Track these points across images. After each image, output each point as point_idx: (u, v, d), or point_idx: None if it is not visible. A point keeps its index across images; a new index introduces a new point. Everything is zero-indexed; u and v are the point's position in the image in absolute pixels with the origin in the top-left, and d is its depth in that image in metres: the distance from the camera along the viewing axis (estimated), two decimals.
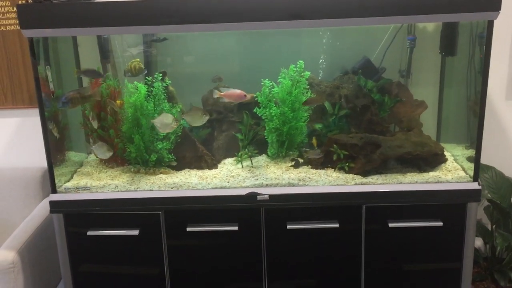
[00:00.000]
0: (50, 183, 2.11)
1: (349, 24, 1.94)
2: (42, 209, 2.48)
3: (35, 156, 2.68)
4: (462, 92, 2.31)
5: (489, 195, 2.54)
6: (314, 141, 2.31)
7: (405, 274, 2.20)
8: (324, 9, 1.88)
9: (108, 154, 2.17)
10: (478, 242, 2.79)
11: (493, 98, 2.62)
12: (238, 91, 2.11)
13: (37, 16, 1.89)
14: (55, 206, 2.11)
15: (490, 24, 1.91)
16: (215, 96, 2.15)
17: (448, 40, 2.33)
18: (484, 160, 2.57)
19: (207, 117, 2.15)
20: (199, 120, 2.15)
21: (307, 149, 2.35)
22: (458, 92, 2.40)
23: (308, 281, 2.22)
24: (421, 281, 2.21)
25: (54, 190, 2.12)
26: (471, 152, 2.18)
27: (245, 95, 2.11)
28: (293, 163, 2.27)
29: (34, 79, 2.01)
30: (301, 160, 2.28)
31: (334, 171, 2.20)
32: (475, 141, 2.07)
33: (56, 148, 2.20)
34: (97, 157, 2.30)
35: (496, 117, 2.64)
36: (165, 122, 2.11)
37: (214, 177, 2.19)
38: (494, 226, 2.58)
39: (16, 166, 2.69)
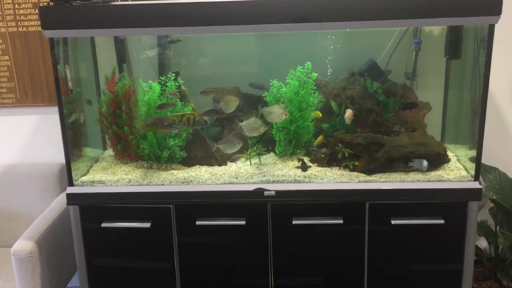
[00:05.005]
0: (67, 176, 2.22)
1: (354, 27, 2.01)
2: (59, 202, 2.58)
3: (53, 152, 2.79)
4: (467, 94, 2.37)
5: (494, 196, 2.58)
6: (319, 139, 2.38)
7: (407, 270, 2.25)
8: (329, 12, 1.95)
9: (238, 146, 2.27)
10: (484, 243, 2.83)
11: (498, 100, 2.66)
12: (349, 111, 2.30)
13: (57, 18, 2.00)
14: (71, 198, 2.22)
15: (491, 28, 1.96)
16: None
17: (453, 43, 2.39)
18: (488, 161, 2.62)
19: (265, 129, 2.24)
20: (257, 130, 2.23)
21: (315, 148, 2.42)
22: (462, 94, 2.45)
23: (313, 274, 2.28)
24: (422, 278, 2.26)
25: (71, 183, 2.23)
26: (474, 153, 2.22)
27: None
28: (299, 163, 2.31)
29: (54, 78, 2.11)
30: (307, 159, 2.35)
31: (339, 169, 2.27)
32: None
33: (73, 144, 2.30)
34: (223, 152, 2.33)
35: (501, 119, 2.69)
36: (253, 126, 2.22)
37: (224, 173, 2.28)
38: (498, 227, 2.62)
39: (35, 161, 2.81)
